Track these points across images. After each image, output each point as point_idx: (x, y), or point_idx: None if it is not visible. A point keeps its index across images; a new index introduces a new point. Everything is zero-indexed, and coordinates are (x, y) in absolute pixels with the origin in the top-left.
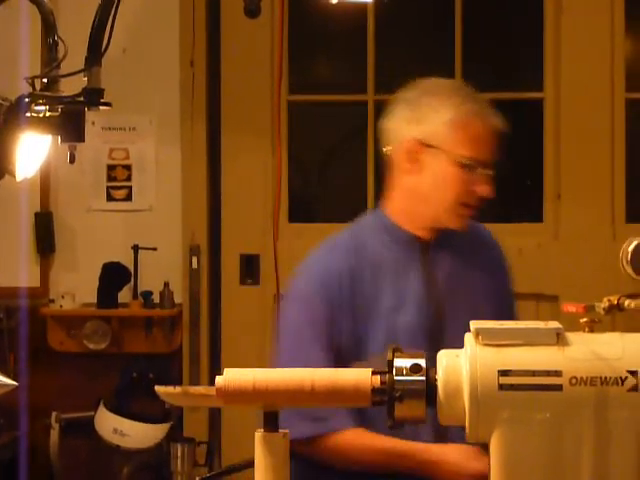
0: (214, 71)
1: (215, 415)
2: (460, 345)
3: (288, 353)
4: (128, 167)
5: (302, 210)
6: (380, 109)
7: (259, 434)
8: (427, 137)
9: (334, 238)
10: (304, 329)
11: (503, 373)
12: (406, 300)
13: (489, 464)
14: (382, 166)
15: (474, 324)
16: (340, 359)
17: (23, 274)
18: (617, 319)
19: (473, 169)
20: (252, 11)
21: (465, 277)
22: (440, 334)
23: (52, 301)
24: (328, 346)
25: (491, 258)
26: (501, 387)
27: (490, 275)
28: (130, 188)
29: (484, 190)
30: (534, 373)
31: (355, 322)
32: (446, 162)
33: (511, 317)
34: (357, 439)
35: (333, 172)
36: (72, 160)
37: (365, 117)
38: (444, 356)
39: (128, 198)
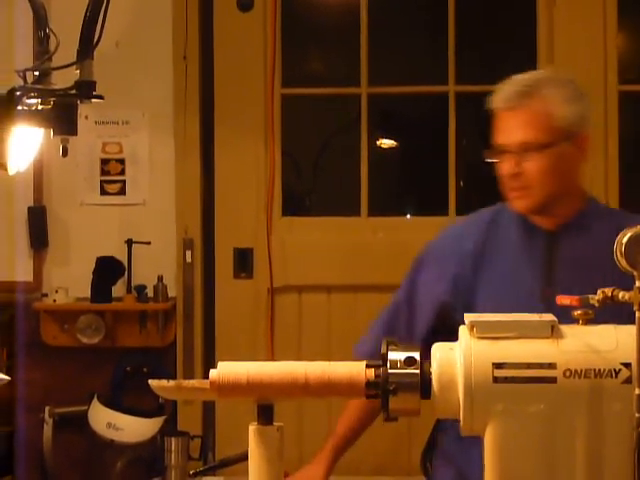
0: (207, 65)
1: (209, 409)
2: None
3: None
4: (121, 161)
5: (295, 204)
6: (373, 102)
7: (253, 427)
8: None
9: (478, 211)
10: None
11: (498, 366)
12: (519, 282)
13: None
14: (375, 159)
15: (468, 317)
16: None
17: (16, 268)
18: None
19: (502, 155)
20: (245, 4)
21: (586, 269)
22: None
23: (45, 295)
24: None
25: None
26: (496, 380)
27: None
28: (124, 182)
29: (504, 169)
30: (528, 366)
31: (473, 281)
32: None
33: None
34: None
35: (326, 166)
36: (65, 153)
37: (359, 110)
38: (438, 349)
39: (122, 192)
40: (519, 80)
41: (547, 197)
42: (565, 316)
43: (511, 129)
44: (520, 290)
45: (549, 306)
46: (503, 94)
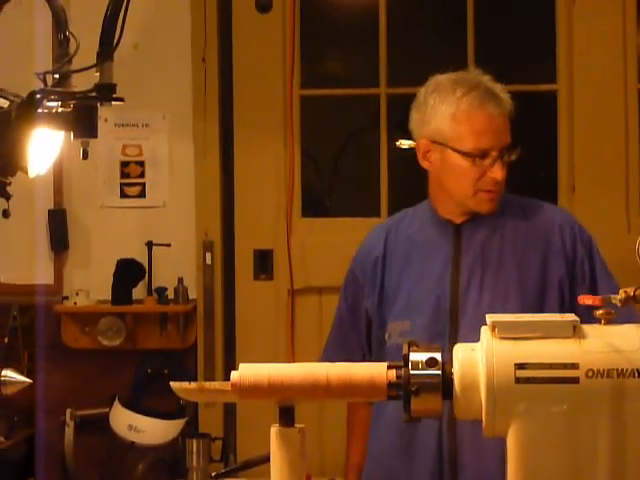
0: (226, 66)
1: (230, 410)
2: (476, 324)
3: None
4: (141, 163)
5: (315, 205)
6: (393, 102)
7: (275, 429)
8: (434, 135)
9: (387, 219)
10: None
11: (520, 366)
12: (427, 277)
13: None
14: (395, 160)
15: (490, 317)
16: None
17: (37, 271)
18: None
19: (482, 158)
20: (263, 6)
21: (494, 259)
22: (455, 313)
23: (66, 298)
24: (353, 306)
25: (540, 241)
26: (518, 380)
27: (529, 258)
28: (143, 184)
29: (496, 174)
30: (551, 366)
31: (381, 290)
32: (455, 156)
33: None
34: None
35: (346, 166)
36: (85, 156)
37: (378, 110)
38: (460, 349)
39: (142, 194)
40: (478, 81)
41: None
42: (472, 297)
43: (495, 132)
44: (431, 278)
45: (456, 291)
46: (479, 96)
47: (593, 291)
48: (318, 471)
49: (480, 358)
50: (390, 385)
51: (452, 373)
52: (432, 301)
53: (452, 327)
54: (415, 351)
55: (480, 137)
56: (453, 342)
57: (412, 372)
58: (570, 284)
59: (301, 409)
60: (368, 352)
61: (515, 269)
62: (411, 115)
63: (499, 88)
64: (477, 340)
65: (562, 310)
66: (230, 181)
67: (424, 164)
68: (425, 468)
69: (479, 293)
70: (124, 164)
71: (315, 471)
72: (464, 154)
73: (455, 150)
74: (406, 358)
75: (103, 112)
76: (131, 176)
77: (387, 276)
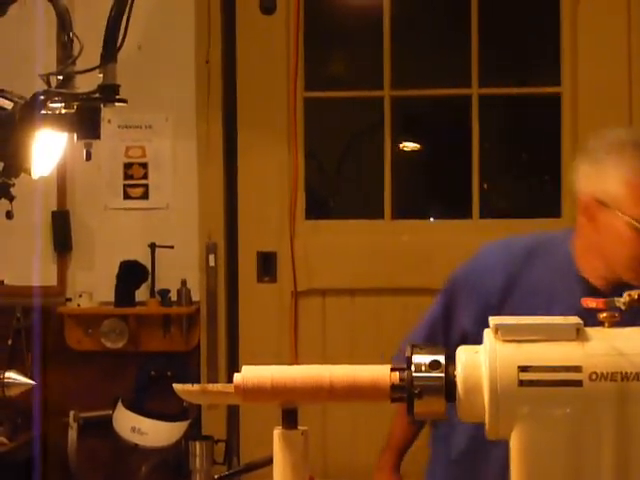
0: (230, 68)
1: (233, 413)
2: None
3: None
4: (144, 165)
5: (319, 207)
6: (397, 104)
7: (278, 431)
8: (604, 196)
9: (515, 238)
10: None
11: (523, 369)
12: None
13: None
14: (399, 162)
15: (493, 320)
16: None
17: (40, 273)
18: None
19: None
20: (268, 8)
21: None
22: None
23: (69, 300)
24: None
25: None
26: (521, 383)
27: None
28: (147, 186)
29: None
30: (554, 369)
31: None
32: (622, 224)
33: None
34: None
35: (350, 169)
36: (88, 157)
37: (382, 113)
38: (463, 352)
39: (145, 196)
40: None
41: None
42: None
43: None
44: None
45: None
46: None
47: None
48: (321, 473)
49: (483, 361)
50: (393, 387)
51: (455, 376)
52: None
53: None
54: (418, 353)
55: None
56: None
57: (415, 374)
58: None
59: (304, 412)
60: None
61: None
62: (576, 163)
63: None
64: None
65: None
66: (233, 183)
67: (583, 220)
68: None
69: None
70: (127, 166)
71: (318, 473)
72: (635, 225)
73: (626, 219)
74: (409, 360)
75: (106, 114)
76: (134, 178)
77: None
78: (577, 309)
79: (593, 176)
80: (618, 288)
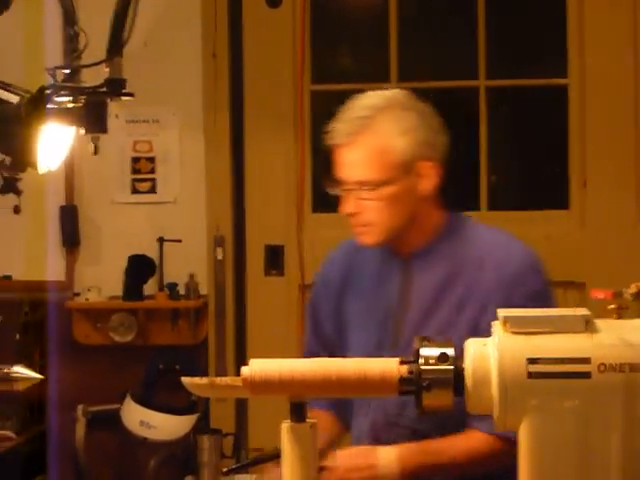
0: (237, 62)
1: (242, 406)
2: None
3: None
4: (152, 159)
5: (326, 200)
6: None
7: (286, 425)
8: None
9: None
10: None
11: (532, 361)
12: (375, 311)
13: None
14: None
15: (501, 312)
16: (328, 344)
17: (48, 268)
18: None
19: (342, 190)
20: (274, 1)
21: (439, 295)
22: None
23: (77, 294)
24: (315, 330)
25: (479, 280)
26: (530, 375)
27: (471, 297)
28: (154, 180)
29: (344, 208)
30: (562, 361)
31: (337, 313)
32: None
33: None
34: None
35: None
36: (96, 151)
37: None
38: (472, 345)
39: (152, 190)
40: (355, 111)
41: (391, 232)
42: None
43: (348, 166)
44: (378, 317)
45: (401, 331)
46: (340, 129)
47: None
48: None
49: (492, 353)
50: (402, 380)
51: (463, 368)
52: (374, 337)
53: None
54: (426, 346)
55: (336, 168)
56: None
57: (423, 367)
58: None
59: None
60: None
61: (447, 317)
62: None
63: (388, 118)
64: None
65: None
66: (241, 176)
67: None
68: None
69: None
70: (135, 160)
71: None
72: (334, 185)
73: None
74: (417, 353)
75: (114, 108)
76: (142, 172)
77: (344, 304)
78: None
79: None
80: (425, 252)
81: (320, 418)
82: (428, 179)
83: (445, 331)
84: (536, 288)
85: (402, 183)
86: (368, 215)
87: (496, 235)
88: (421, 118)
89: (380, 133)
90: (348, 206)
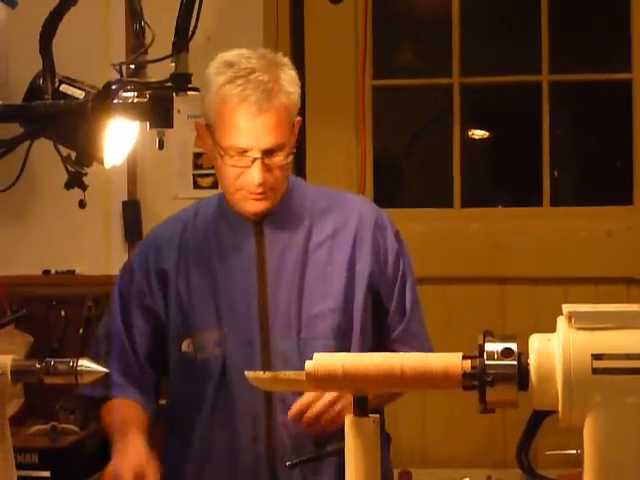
0: (298, 57)
1: None
2: (287, 329)
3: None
4: None
5: (388, 196)
6: (466, 91)
7: (349, 418)
8: (206, 119)
9: (181, 210)
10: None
11: (596, 357)
12: (230, 281)
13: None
14: (467, 150)
15: (566, 307)
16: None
17: (111, 262)
18: None
19: (241, 157)
20: None
21: (299, 258)
22: (264, 320)
23: None
24: (142, 314)
25: (346, 234)
26: (595, 371)
27: (336, 253)
28: (216, 176)
29: (252, 178)
30: (627, 356)
31: (177, 293)
32: (215, 149)
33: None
34: (110, 405)
35: (419, 157)
36: (161, 146)
37: (451, 100)
38: (536, 340)
39: (214, 186)
40: (249, 69)
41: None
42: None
43: (254, 132)
44: (234, 287)
45: (264, 296)
46: (239, 88)
47: (402, 287)
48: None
49: (556, 349)
50: (465, 375)
51: (528, 364)
52: (241, 307)
53: (262, 334)
54: (490, 341)
55: (239, 134)
56: (265, 351)
57: (487, 362)
58: (379, 277)
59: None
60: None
61: (321, 267)
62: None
63: (284, 77)
64: (290, 347)
65: (367, 303)
66: (302, 172)
67: (198, 145)
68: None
69: (287, 296)
70: (197, 155)
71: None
72: (220, 152)
73: (215, 144)
74: (481, 348)
75: (176, 104)
76: (204, 167)
77: (181, 282)
78: (248, 249)
79: (201, 97)
80: (271, 216)
81: (129, 405)
82: (295, 134)
83: (323, 278)
84: (395, 228)
85: (293, 142)
86: (271, 182)
87: (333, 190)
88: (295, 72)
89: (284, 95)
90: (256, 175)
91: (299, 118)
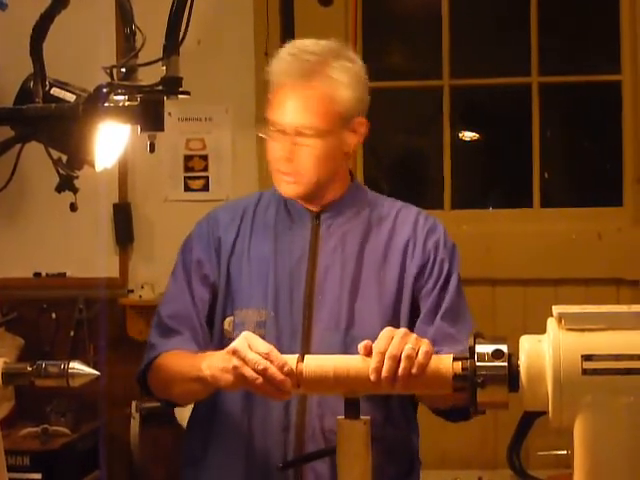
0: None
1: None
2: (331, 323)
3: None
4: (205, 157)
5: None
6: (456, 93)
7: (341, 420)
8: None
9: (244, 196)
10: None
11: (586, 358)
12: (282, 267)
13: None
14: (458, 151)
15: (556, 308)
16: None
17: (102, 265)
18: None
19: (275, 133)
20: None
21: (353, 253)
22: (309, 311)
23: (131, 291)
24: (202, 282)
25: (400, 238)
26: (584, 372)
27: (382, 259)
28: (207, 178)
29: (277, 152)
30: (617, 357)
31: (228, 270)
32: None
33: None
34: (167, 356)
35: (409, 159)
36: (152, 149)
37: (441, 102)
38: (526, 341)
39: (205, 188)
40: (303, 51)
41: (315, 185)
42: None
43: (289, 108)
44: (284, 273)
45: (312, 286)
46: (285, 65)
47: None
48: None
49: (547, 350)
50: (456, 377)
51: (518, 365)
52: (288, 294)
53: (305, 323)
54: (481, 343)
55: (278, 110)
56: (306, 340)
57: (478, 364)
58: (421, 280)
59: None
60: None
61: (375, 267)
62: None
63: (336, 65)
64: (335, 340)
65: (413, 308)
66: None
67: None
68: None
69: (338, 291)
70: (188, 158)
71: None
72: (263, 126)
73: (260, 120)
74: (472, 350)
75: (167, 106)
76: (195, 170)
77: (235, 260)
78: (303, 238)
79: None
80: (331, 209)
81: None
82: (358, 136)
83: (377, 278)
84: (451, 242)
85: (338, 136)
86: (299, 164)
87: (390, 198)
88: (363, 73)
89: (330, 81)
90: (280, 149)
91: (361, 118)
